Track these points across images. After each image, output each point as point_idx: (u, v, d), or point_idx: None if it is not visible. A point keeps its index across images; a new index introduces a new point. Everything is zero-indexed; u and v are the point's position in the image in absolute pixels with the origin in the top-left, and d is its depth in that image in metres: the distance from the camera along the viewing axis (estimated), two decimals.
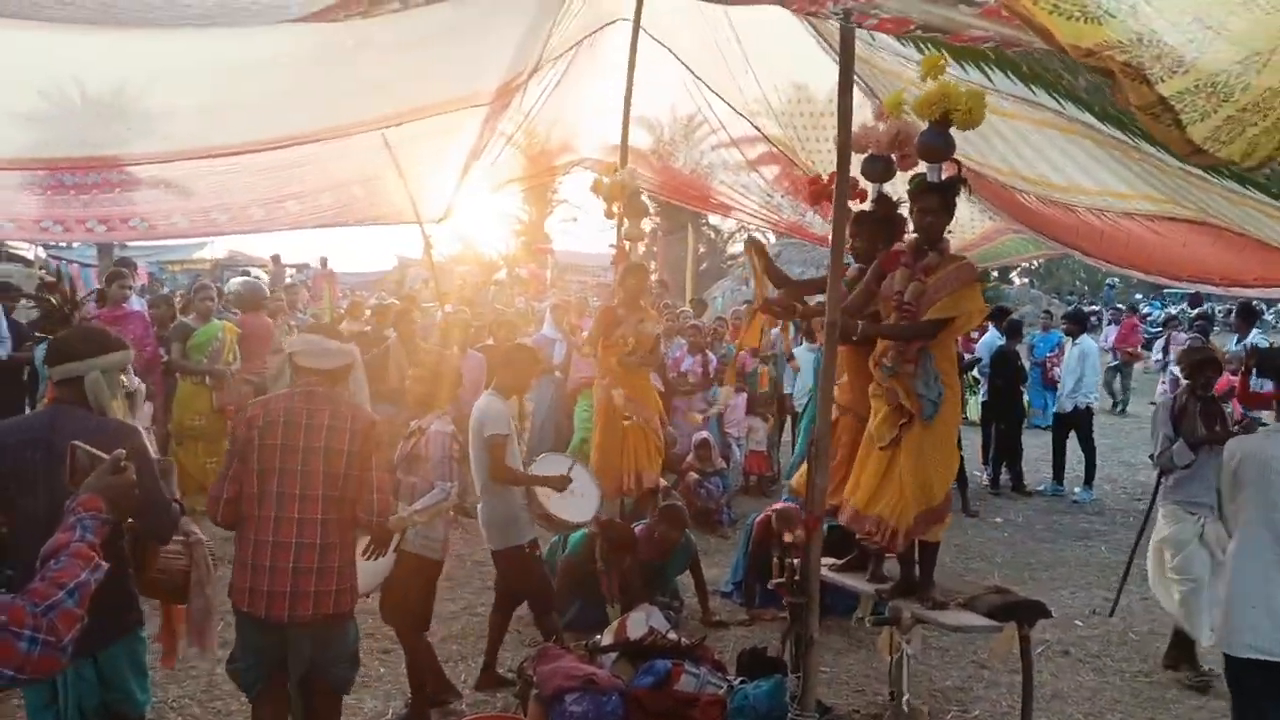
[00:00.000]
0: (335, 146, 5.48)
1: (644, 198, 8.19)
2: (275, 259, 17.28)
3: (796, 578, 4.08)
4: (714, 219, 32.45)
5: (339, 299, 13.63)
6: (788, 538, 5.72)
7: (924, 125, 3.94)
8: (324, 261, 16.83)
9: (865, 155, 4.40)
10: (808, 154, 6.54)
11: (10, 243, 17.15)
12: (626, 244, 6.86)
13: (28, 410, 7.26)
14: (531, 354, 5.81)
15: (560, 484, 5.20)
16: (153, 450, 3.67)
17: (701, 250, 30.28)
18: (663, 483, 7.08)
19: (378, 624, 5.74)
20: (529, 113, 6.55)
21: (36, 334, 7.75)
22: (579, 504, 5.37)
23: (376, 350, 8.41)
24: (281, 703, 3.62)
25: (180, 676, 5.09)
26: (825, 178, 4.98)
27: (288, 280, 15.94)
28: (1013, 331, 11.02)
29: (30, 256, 18.04)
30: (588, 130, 7.44)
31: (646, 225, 8.23)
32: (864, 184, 4.56)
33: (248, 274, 19.27)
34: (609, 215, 6.86)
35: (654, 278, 11.98)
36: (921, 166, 4.10)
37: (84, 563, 1.96)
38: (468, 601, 6.71)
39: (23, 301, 8.18)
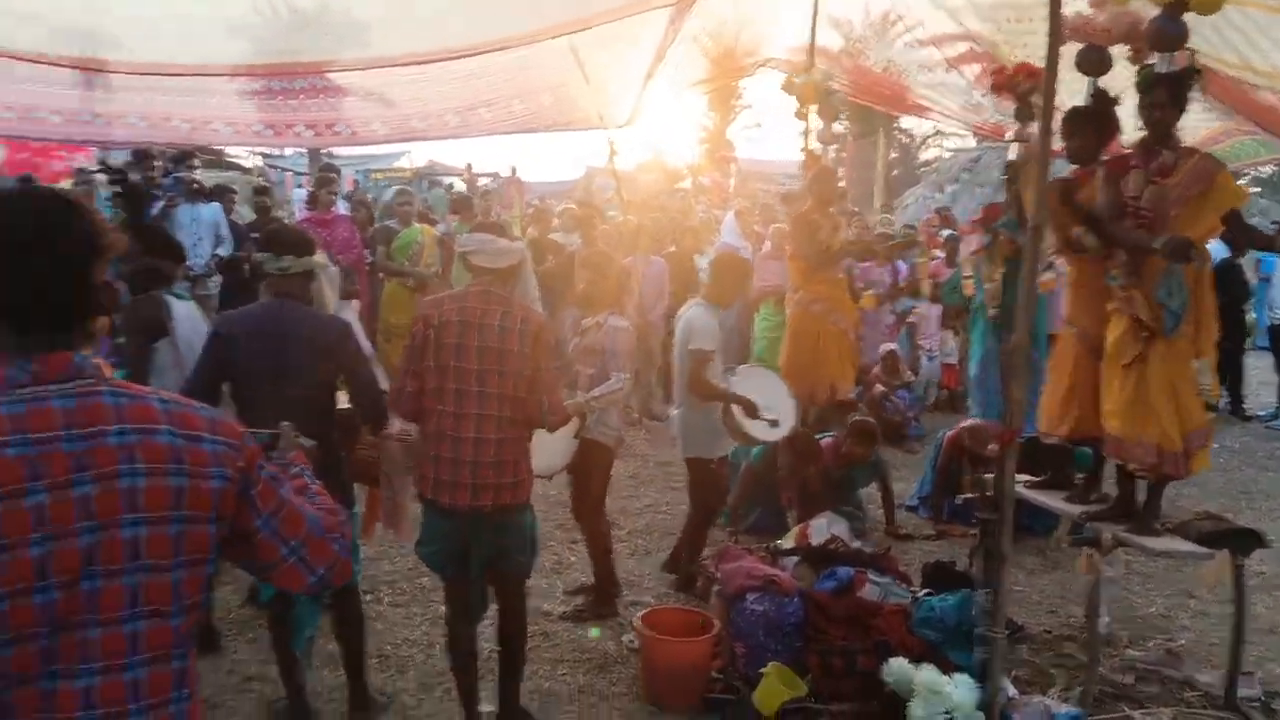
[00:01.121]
0: (524, 54, 5.54)
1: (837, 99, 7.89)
2: (469, 168, 17.78)
3: (989, 493, 3.95)
4: (907, 122, 31.07)
5: (527, 207, 13.96)
6: (981, 453, 5.54)
7: (1149, 12, 3.59)
8: (513, 170, 17.14)
9: (1081, 47, 4.07)
10: (1012, 49, 6.09)
11: (230, 152, 18.45)
12: (817, 147, 6.65)
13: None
14: (743, 266, 5.71)
15: (752, 410, 5.13)
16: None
17: (893, 155, 29.09)
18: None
19: (569, 516, 6.01)
20: (714, 14, 6.39)
21: (253, 234, 8.37)
22: (773, 419, 5.27)
23: (563, 256, 8.60)
24: (471, 584, 3.80)
25: (391, 554, 5.50)
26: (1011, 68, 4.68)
27: (480, 188, 16.45)
28: (1238, 243, 10.05)
29: (248, 165, 19.32)
30: (774, 30, 7.20)
31: (838, 128, 7.91)
32: None
33: (439, 183, 20.04)
34: (800, 116, 6.66)
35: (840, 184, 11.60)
36: (1150, 57, 3.75)
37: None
38: (652, 500, 6.90)
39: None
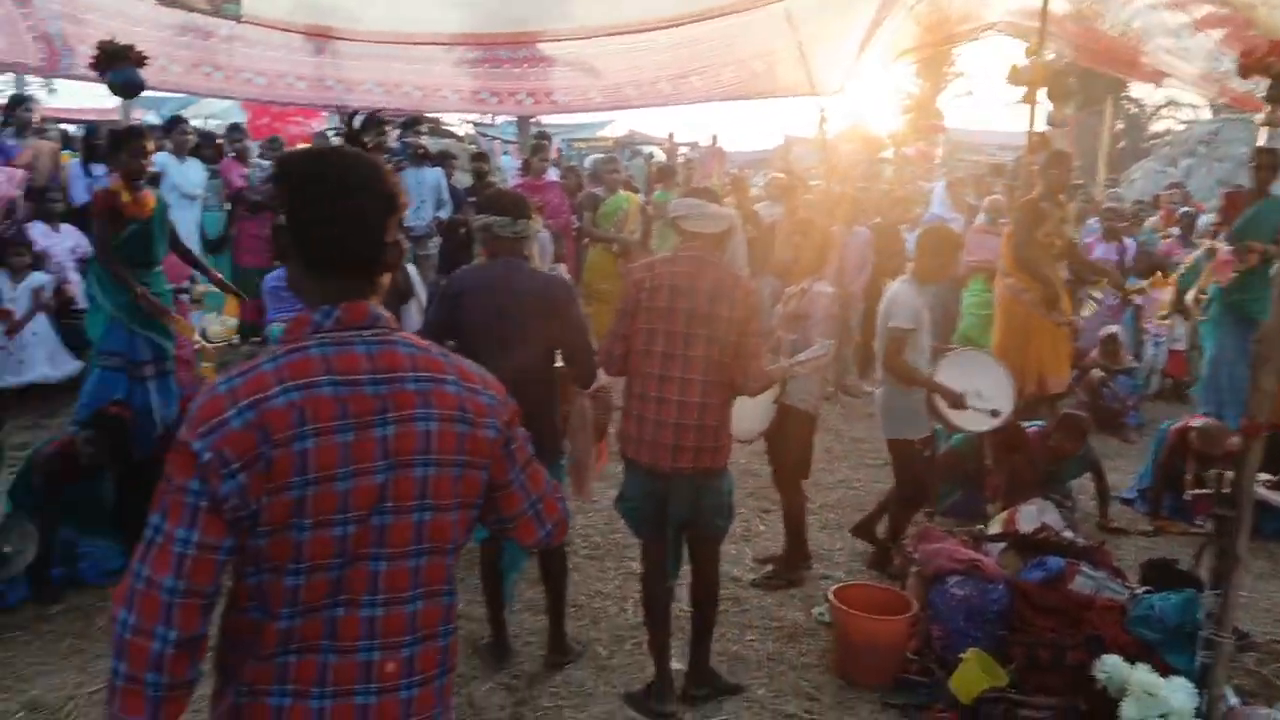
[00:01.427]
0: (739, 21, 5.53)
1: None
2: (670, 137, 17.92)
3: (1225, 490, 3.65)
4: (1137, 91, 28.85)
5: (725, 176, 13.93)
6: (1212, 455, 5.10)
7: None
8: (714, 139, 17.15)
9: None
10: (1270, 9, 5.52)
11: (445, 121, 19.32)
12: (1048, 129, 6.26)
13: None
14: (953, 239, 5.46)
15: (956, 400, 4.87)
16: None
17: (1119, 127, 27.10)
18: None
19: (759, 485, 6.03)
20: None
21: (470, 199, 8.76)
22: (984, 407, 4.93)
23: (762, 227, 8.54)
24: (666, 543, 3.86)
25: (586, 508, 5.66)
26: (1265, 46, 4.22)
27: (680, 157, 16.56)
28: None
29: (460, 134, 20.18)
30: None
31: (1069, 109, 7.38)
32: None
33: (639, 152, 20.28)
34: (1028, 100, 6.29)
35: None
36: None
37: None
38: (844, 475, 6.79)
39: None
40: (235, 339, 7.85)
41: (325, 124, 12.26)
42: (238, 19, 5.43)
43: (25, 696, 3.74)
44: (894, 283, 5.19)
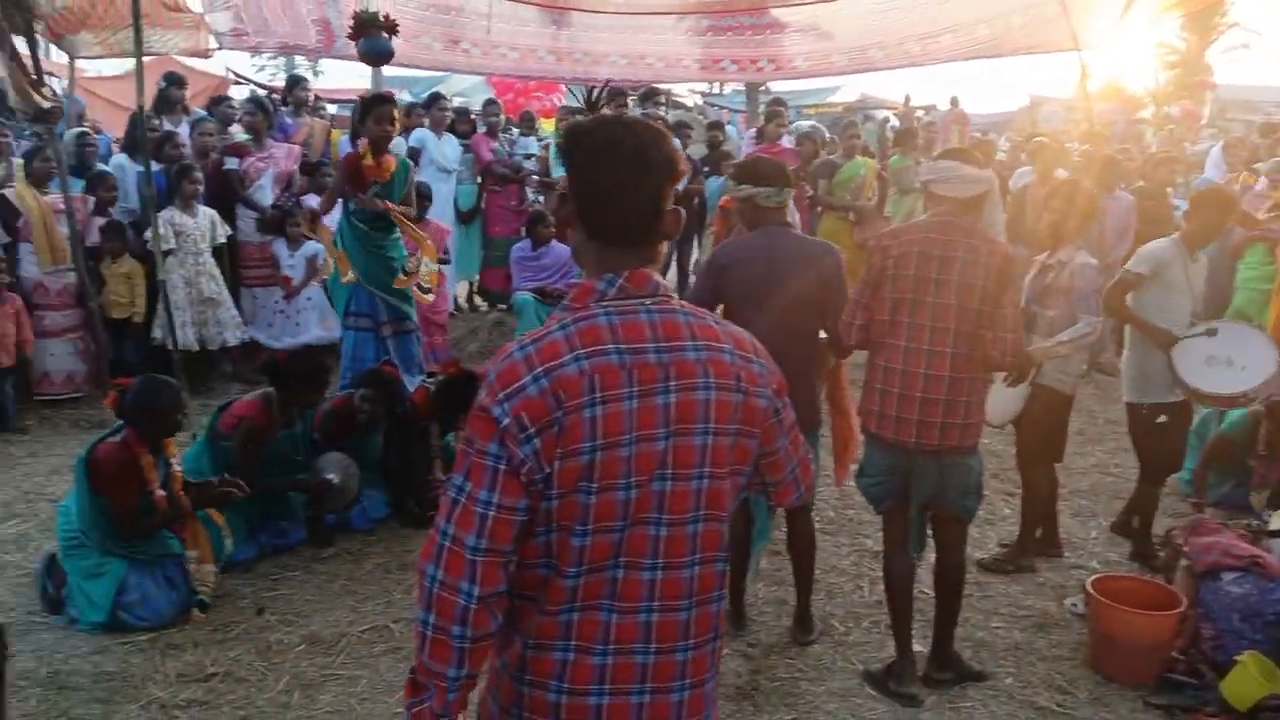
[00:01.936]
0: None
1: None
2: (906, 100, 17.19)
3: None
4: None
5: (969, 140, 13.27)
6: None
7: None
8: (954, 101, 16.31)
9: None
10: None
11: (675, 92, 19.50)
12: None
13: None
14: (1228, 202, 4.99)
15: (1165, 341, 4.47)
16: None
17: None
18: None
19: (1001, 466, 5.75)
20: None
21: (705, 168, 8.79)
22: (1233, 375, 4.52)
23: (1016, 190, 8.08)
24: (909, 522, 3.74)
25: (818, 482, 5.61)
26: None
27: (916, 121, 15.91)
28: None
29: (689, 104, 20.29)
30: None
31: None
32: None
33: (872, 117, 19.66)
34: None
35: None
36: None
37: None
38: (1099, 459, 6.38)
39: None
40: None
41: (565, 98, 12.62)
42: None
43: (305, 630, 4.12)
44: (1155, 241, 4.79)
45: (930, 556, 3.85)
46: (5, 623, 4.02)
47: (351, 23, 5.55)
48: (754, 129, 9.61)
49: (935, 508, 3.68)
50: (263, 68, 28.80)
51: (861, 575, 4.67)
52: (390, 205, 5.35)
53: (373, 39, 5.56)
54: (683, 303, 1.68)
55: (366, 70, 5.93)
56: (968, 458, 3.59)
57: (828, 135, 8.81)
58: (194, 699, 3.61)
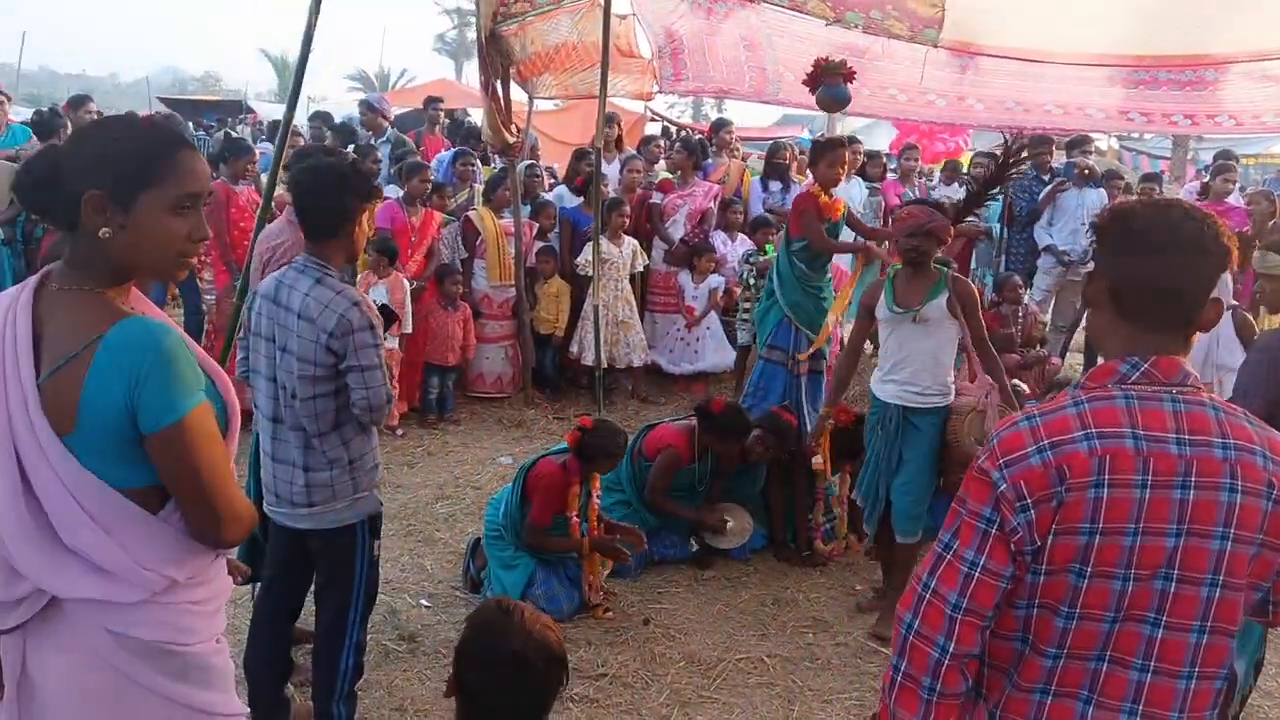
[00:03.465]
0: None
1: None
2: None
3: None
4: None
5: None
6: None
7: None
8: None
9: None
10: None
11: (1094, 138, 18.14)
12: None
13: None
14: None
15: None
16: None
17: None
18: None
19: None
20: None
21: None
22: None
23: None
24: None
25: None
26: None
27: None
28: None
29: (1102, 148, 18.77)
30: None
31: None
32: None
33: None
34: None
35: None
36: None
37: None
38: None
39: None
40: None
41: (973, 142, 12.22)
42: (934, 44, 5.61)
43: (685, 648, 4.30)
44: None
45: None
46: (434, 592, 4.62)
47: (811, 70, 5.70)
48: (1195, 182, 8.69)
49: None
50: (672, 105, 30.78)
51: None
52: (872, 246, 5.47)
53: (832, 86, 5.71)
54: (1214, 397, 1.58)
55: (760, 110, 6.14)
56: None
57: None
58: (585, 695, 3.88)
